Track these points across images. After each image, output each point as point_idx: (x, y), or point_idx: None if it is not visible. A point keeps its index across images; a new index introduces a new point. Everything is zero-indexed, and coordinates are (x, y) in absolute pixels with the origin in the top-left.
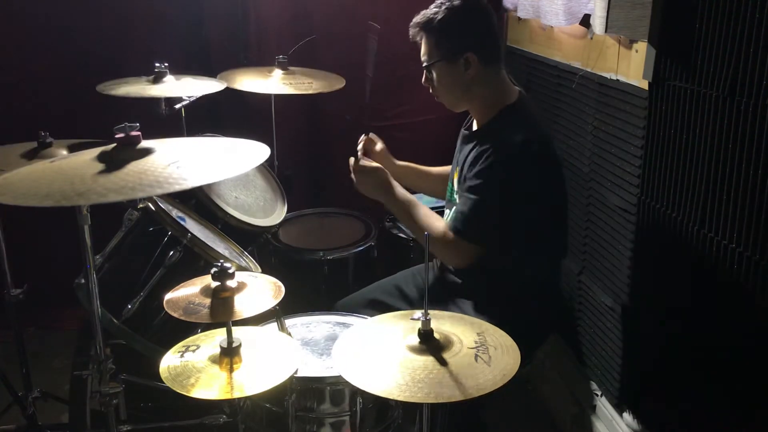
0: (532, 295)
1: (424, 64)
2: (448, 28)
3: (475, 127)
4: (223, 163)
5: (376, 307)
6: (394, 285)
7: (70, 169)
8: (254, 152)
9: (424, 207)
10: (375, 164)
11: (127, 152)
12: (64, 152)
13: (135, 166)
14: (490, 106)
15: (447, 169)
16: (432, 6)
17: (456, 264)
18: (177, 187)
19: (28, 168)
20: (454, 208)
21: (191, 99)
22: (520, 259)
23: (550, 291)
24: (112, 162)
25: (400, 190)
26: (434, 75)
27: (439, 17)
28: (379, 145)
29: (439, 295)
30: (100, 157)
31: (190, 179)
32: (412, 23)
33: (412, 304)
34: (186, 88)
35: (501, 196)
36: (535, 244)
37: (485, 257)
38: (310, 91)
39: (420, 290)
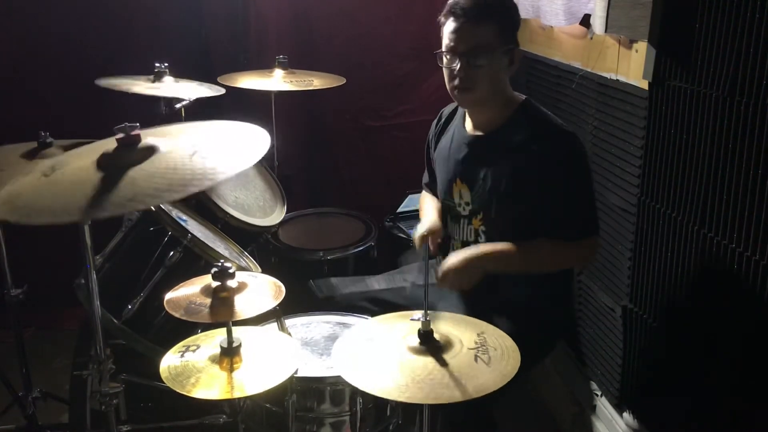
0: (547, 304)
1: (482, 51)
2: (512, 17)
3: (476, 131)
4: (227, 159)
5: (375, 303)
6: (393, 280)
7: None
8: (254, 139)
9: (521, 247)
10: (451, 261)
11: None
12: (59, 156)
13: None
14: (506, 104)
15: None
16: None
17: (589, 262)
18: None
19: (25, 182)
20: (556, 216)
21: (191, 99)
22: None
23: (563, 300)
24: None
25: (485, 252)
26: (487, 64)
27: (502, 4)
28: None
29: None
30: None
31: (195, 183)
32: (466, 5)
33: (412, 303)
34: (185, 90)
35: (592, 184)
36: None
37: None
38: (311, 88)
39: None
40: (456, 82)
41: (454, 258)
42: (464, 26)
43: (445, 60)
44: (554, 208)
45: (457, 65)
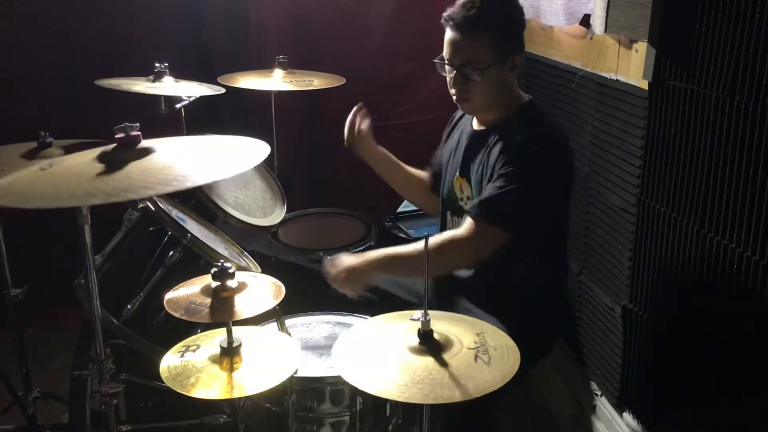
0: (543, 304)
1: (474, 67)
2: (504, 27)
3: (480, 126)
4: (224, 163)
5: (377, 293)
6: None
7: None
8: (254, 150)
9: (400, 247)
10: (336, 267)
11: (128, 152)
12: (59, 156)
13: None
14: (508, 105)
15: (420, 172)
16: (466, 1)
17: (478, 254)
18: (178, 187)
19: (22, 174)
20: (479, 196)
21: (191, 99)
22: (533, 264)
23: (559, 299)
24: (113, 162)
25: (370, 260)
26: (479, 78)
27: (496, 16)
28: (366, 123)
29: (444, 300)
30: (100, 158)
31: (190, 179)
32: (458, 18)
33: (415, 296)
34: (185, 89)
35: (534, 186)
36: (551, 247)
37: (502, 259)
38: (311, 88)
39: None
40: (454, 91)
41: (339, 264)
42: (458, 40)
43: (446, 68)
44: (482, 187)
45: (453, 75)
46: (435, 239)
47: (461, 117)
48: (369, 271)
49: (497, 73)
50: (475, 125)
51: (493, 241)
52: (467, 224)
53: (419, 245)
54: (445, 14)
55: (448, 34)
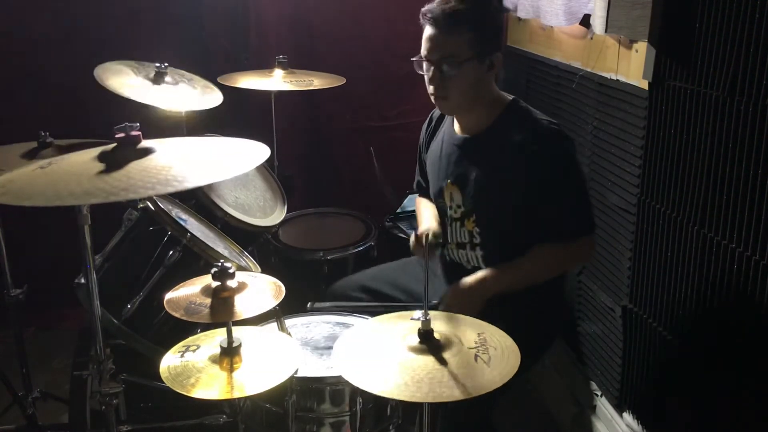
0: (541, 299)
1: (451, 61)
2: (484, 24)
3: (464, 133)
4: (223, 164)
5: (370, 293)
6: (392, 274)
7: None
8: (254, 152)
9: (518, 262)
10: (455, 291)
11: (128, 152)
12: (59, 156)
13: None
14: (491, 106)
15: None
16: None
17: (586, 262)
18: (177, 187)
19: (21, 172)
20: (549, 217)
21: (187, 111)
22: None
23: (557, 295)
24: (112, 162)
25: (487, 278)
26: (456, 73)
27: (476, 12)
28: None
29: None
30: (100, 158)
31: (190, 179)
32: (436, 13)
33: (410, 296)
34: (183, 94)
35: (583, 176)
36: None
37: (502, 257)
38: (311, 88)
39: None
40: (431, 89)
41: (459, 287)
42: (436, 35)
43: (424, 66)
44: (547, 209)
45: (430, 72)
46: (541, 257)
47: (439, 122)
48: (488, 288)
49: (474, 69)
50: (458, 131)
51: (591, 246)
52: (563, 247)
53: (527, 259)
54: (422, 10)
55: (426, 30)
